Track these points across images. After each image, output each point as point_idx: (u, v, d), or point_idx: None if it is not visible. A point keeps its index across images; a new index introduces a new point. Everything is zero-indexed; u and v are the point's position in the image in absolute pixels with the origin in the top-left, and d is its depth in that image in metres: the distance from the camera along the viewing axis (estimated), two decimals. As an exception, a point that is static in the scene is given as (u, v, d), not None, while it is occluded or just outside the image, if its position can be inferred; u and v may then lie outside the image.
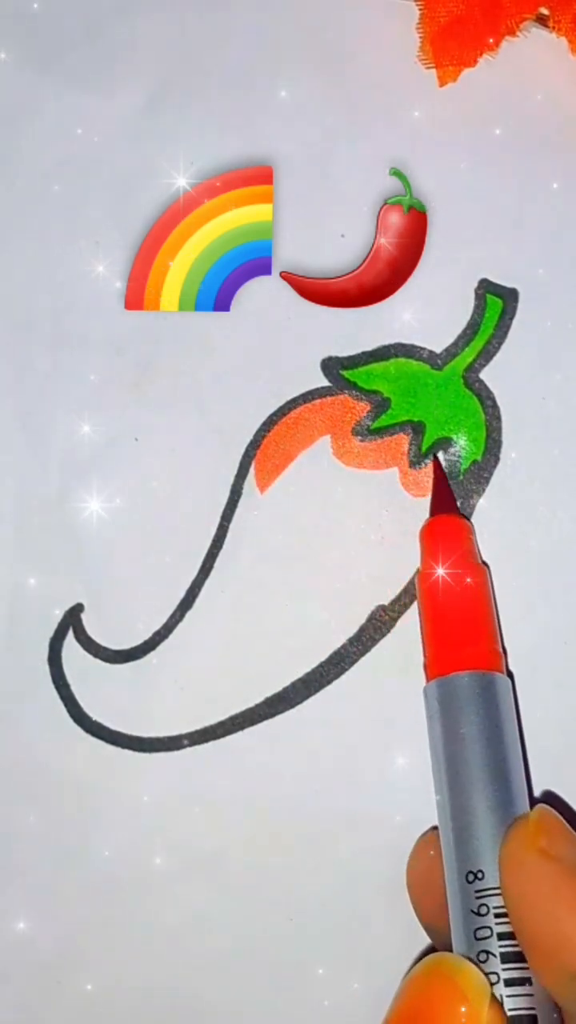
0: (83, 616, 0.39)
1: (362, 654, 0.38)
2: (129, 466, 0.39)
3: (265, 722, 0.38)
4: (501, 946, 0.31)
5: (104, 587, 0.39)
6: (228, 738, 0.38)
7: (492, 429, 0.39)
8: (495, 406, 0.39)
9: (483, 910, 0.32)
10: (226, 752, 0.38)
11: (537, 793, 0.38)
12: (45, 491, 0.39)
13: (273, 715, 0.38)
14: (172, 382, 0.39)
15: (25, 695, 0.39)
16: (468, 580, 0.36)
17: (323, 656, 0.38)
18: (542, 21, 0.38)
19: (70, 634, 0.39)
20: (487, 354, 0.39)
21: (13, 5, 0.40)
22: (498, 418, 0.39)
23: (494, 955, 0.31)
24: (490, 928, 0.31)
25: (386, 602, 0.38)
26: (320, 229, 0.39)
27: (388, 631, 0.38)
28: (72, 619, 0.39)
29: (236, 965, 0.38)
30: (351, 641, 0.38)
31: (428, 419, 0.39)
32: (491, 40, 0.38)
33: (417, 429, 0.39)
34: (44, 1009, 0.39)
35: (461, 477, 0.39)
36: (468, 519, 0.38)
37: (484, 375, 0.39)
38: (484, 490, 0.38)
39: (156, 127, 0.40)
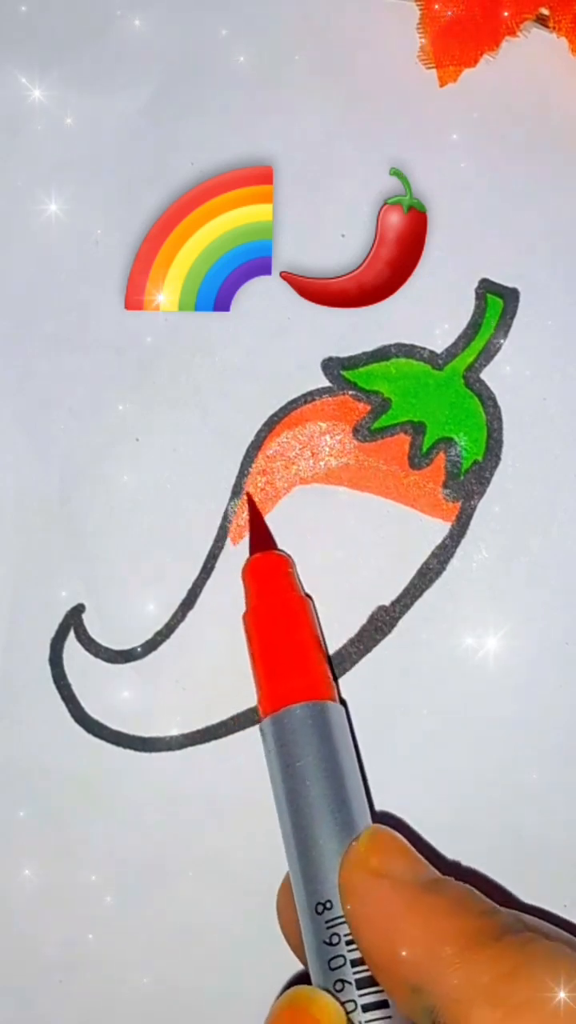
0: (84, 616, 0.39)
1: (362, 655, 0.38)
2: (129, 466, 0.39)
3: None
4: (355, 972, 0.32)
5: (105, 587, 0.39)
6: (229, 738, 0.38)
7: (493, 429, 0.39)
8: (496, 406, 0.39)
9: (334, 939, 0.32)
10: (226, 752, 0.38)
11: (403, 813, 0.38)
12: (46, 491, 0.39)
13: (274, 715, 0.38)
14: (172, 382, 0.39)
15: (26, 695, 0.39)
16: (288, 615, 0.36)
17: (324, 656, 0.38)
18: (542, 21, 0.38)
19: (71, 634, 0.39)
20: (488, 354, 0.39)
21: (13, 6, 0.40)
22: (499, 418, 0.39)
23: (349, 982, 0.32)
24: (343, 956, 0.32)
25: (386, 602, 0.38)
26: (320, 229, 0.39)
27: (388, 631, 0.38)
28: (73, 619, 0.39)
29: (237, 964, 0.38)
30: (351, 641, 0.38)
31: (429, 419, 0.39)
32: (491, 40, 0.38)
33: (418, 429, 0.39)
34: (45, 1009, 0.39)
35: (462, 477, 0.39)
36: (285, 554, 0.38)
37: (485, 375, 0.39)
38: (485, 490, 0.38)
39: (156, 127, 0.40)
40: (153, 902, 0.38)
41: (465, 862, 0.38)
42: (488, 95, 0.39)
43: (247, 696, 0.38)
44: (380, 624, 0.38)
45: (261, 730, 0.35)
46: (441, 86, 0.39)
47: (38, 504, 0.39)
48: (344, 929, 0.32)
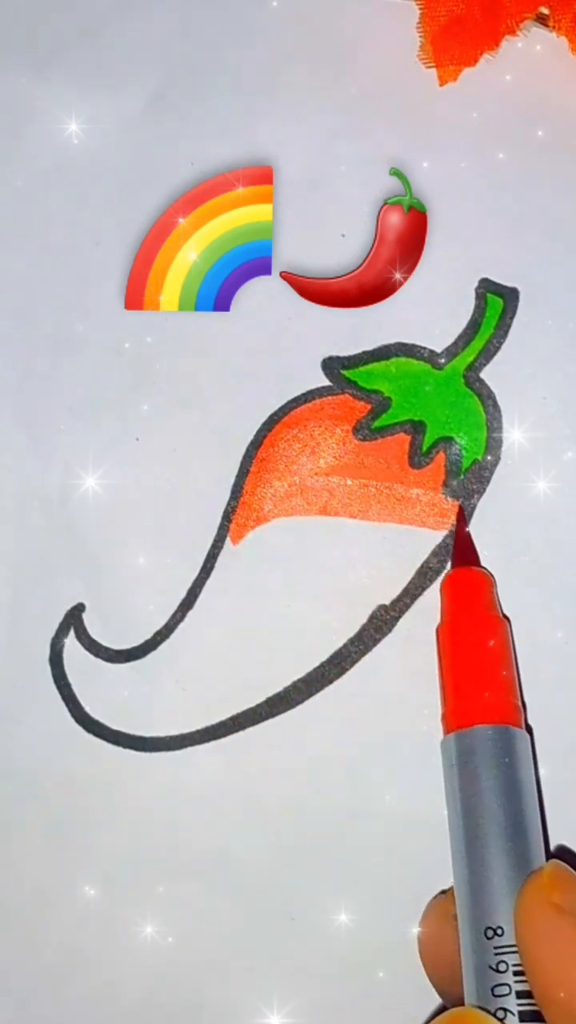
0: (84, 616, 0.39)
1: (363, 654, 0.38)
2: (129, 466, 0.39)
3: (266, 722, 0.38)
4: (520, 1004, 0.31)
5: (105, 587, 0.39)
6: (229, 738, 0.38)
7: (493, 428, 0.39)
8: (496, 405, 0.39)
9: (502, 967, 0.31)
10: (227, 752, 0.38)
11: (557, 844, 0.38)
12: (46, 491, 0.39)
13: (274, 715, 0.38)
14: (172, 382, 0.39)
15: (27, 695, 0.39)
16: (490, 642, 0.36)
17: (324, 656, 0.38)
18: (542, 20, 0.38)
19: (71, 634, 0.39)
20: (488, 353, 0.39)
21: (13, 6, 0.40)
22: (499, 417, 0.39)
23: (512, 1013, 0.31)
24: (508, 985, 0.31)
25: (387, 602, 0.38)
26: (320, 229, 0.39)
27: (389, 631, 0.38)
28: (73, 619, 0.39)
29: (237, 964, 0.38)
30: (352, 641, 0.38)
31: (429, 418, 0.39)
32: (491, 40, 0.38)
33: (418, 428, 0.39)
34: (45, 1009, 0.39)
35: (462, 476, 0.39)
36: (489, 573, 0.38)
37: (485, 374, 0.39)
38: (485, 489, 0.38)
39: (156, 127, 0.40)
40: (153, 902, 0.38)
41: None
42: (488, 95, 0.39)
43: (247, 696, 0.38)
44: (380, 623, 0.38)
45: (442, 745, 0.35)
46: (441, 85, 0.39)
47: (38, 504, 0.39)
48: (514, 959, 0.31)
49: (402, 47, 0.39)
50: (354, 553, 0.39)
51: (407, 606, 0.38)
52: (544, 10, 0.38)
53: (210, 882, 0.38)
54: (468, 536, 0.38)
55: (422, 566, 0.38)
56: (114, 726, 0.39)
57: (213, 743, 0.39)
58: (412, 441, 0.39)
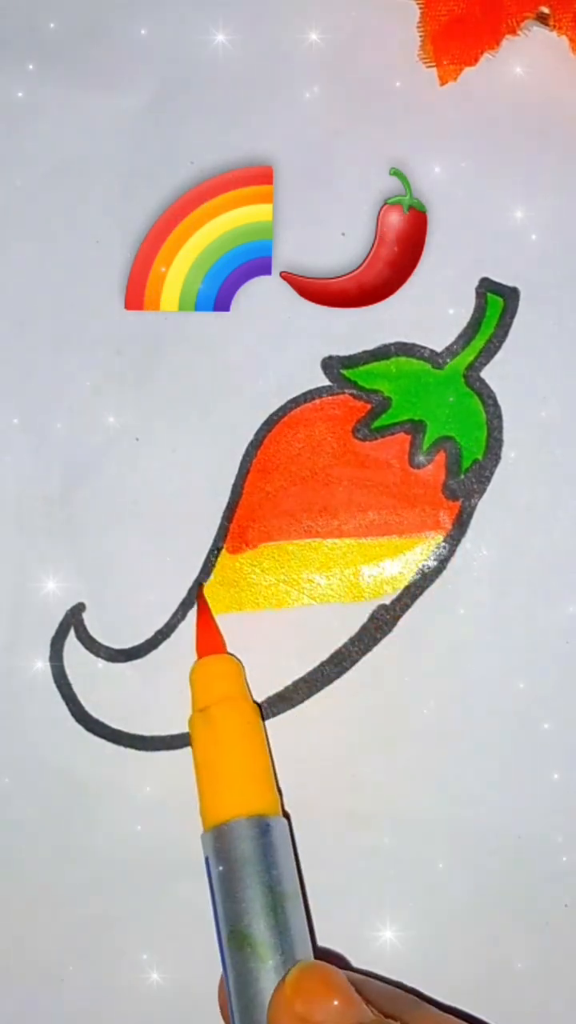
0: (85, 615, 0.39)
1: (363, 654, 0.38)
2: (129, 466, 0.39)
3: (267, 721, 0.38)
4: None
5: (105, 586, 0.39)
6: (229, 738, 0.38)
7: (493, 428, 0.39)
8: (496, 405, 0.39)
9: None
10: (227, 752, 0.38)
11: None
12: (46, 491, 0.39)
13: (274, 714, 0.38)
14: (172, 382, 0.39)
15: (27, 694, 0.39)
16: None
17: (324, 655, 0.38)
18: (543, 20, 0.38)
19: (72, 633, 0.39)
20: (488, 353, 0.39)
21: (14, 6, 0.40)
22: (499, 417, 0.39)
23: None
24: None
25: (387, 602, 0.38)
26: (320, 229, 0.39)
27: (389, 631, 0.38)
28: (74, 618, 0.39)
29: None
30: (352, 641, 0.38)
31: (429, 418, 0.39)
32: (491, 39, 0.38)
33: (418, 428, 0.39)
34: (45, 1009, 0.39)
35: (462, 476, 0.39)
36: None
37: (485, 374, 0.39)
38: (485, 489, 0.38)
39: (157, 127, 0.40)
40: (153, 901, 0.38)
41: (464, 862, 0.38)
42: (488, 94, 0.39)
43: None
44: (380, 623, 0.38)
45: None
46: (441, 85, 0.39)
47: (38, 504, 0.39)
48: None
49: (402, 47, 0.39)
50: (355, 552, 0.39)
51: (407, 606, 0.38)
52: (544, 10, 0.38)
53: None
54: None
55: (422, 566, 0.38)
56: (114, 725, 0.39)
57: (213, 743, 0.39)
58: (412, 441, 0.39)
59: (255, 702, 0.38)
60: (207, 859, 0.35)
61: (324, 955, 0.37)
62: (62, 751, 0.39)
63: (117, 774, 0.39)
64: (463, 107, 0.39)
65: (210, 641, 0.38)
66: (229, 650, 0.38)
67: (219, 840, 0.34)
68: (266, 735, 0.37)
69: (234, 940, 0.33)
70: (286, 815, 0.37)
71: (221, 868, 0.34)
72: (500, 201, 0.39)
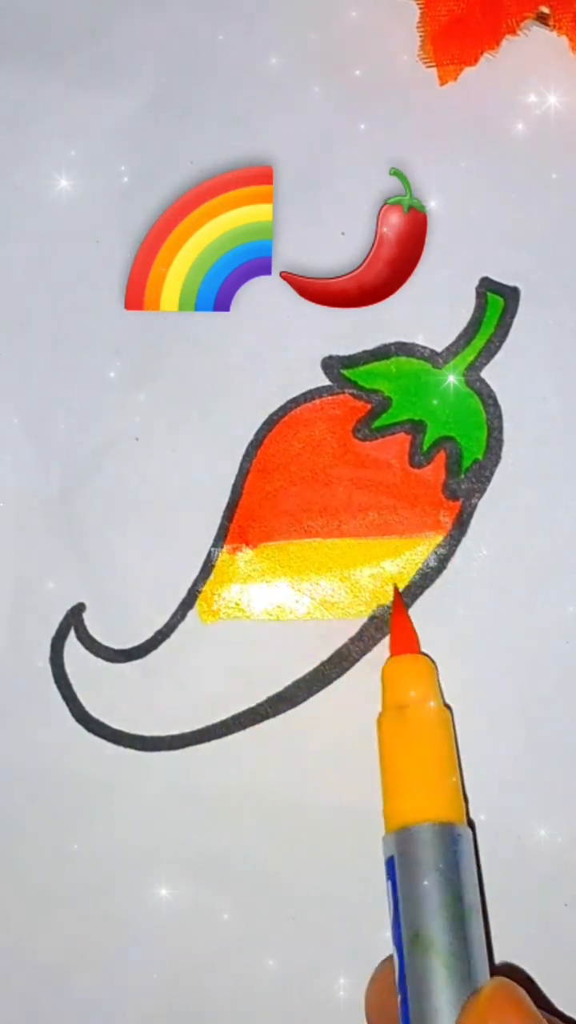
0: (85, 616, 0.39)
1: (363, 653, 0.38)
2: (129, 466, 0.39)
3: (267, 721, 0.38)
4: None
5: (105, 586, 0.39)
6: (230, 737, 0.38)
7: (493, 428, 0.39)
8: (496, 405, 0.39)
9: None
10: (228, 751, 0.38)
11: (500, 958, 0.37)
12: (46, 491, 0.39)
13: (275, 714, 0.38)
14: (172, 382, 0.39)
15: (27, 694, 0.39)
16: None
17: (325, 655, 0.38)
18: (543, 20, 0.38)
19: (72, 634, 0.39)
20: (488, 353, 0.39)
21: (14, 6, 0.40)
22: (499, 417, 0.39)
23: None
24: None
25: (388, 602, 0.38)
26: (320, 229, 0.39)
27: (389, 631, 0.38)
28: (74, 618, 0.39)
29: (237, 964, 0.38)
30: (352, 640, 0.38)
31: (429, 418, 0.39)
32: (491, 39, 0.38)
33: (418, 428, 0.39)
34: (45, 1009, 0.39)
35: (462, 476, 0.39)
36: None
37: (485, 374, 0.39)
38: (485, 489, 0.38)
39: (156, 127, 0.40)
40: (152, 902, 0.38)
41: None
42: (488, 94, 0.39)
43: (248, 695, 0.38)
44: (380, 623, 0.38)
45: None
46: (441, 85, 0.39)
47: (38, 504, 0.39)
48: None
49: (402, 47, 0.39)
50: (355, 552, 0.39)
51: (408, 606, 0.38)
52: (544, 10, 0.38)
53: (210, 881, 0.38)
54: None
55: (422, 566, 0.38)
56: (114, 725, 0.39)
57: (213, 743, 0.38)
58: (412, 441, 0.39)
59: (447, 706, 0.37)
60: (390, 859, 0.34)
61: (508, 971, 0.37)
62: (62, 751, 0.39)
63: (117, 774, 0.38)
64: (463, 107, 0.39)
65: (405, 639, 0.37)
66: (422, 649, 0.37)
67: (408, 843, 0.34)
68: (456, 742, 0.37)
69: (419, 945, 0.33)
70: (470, 823, 0.36)
71: (409, 871, 0.34)
72: (500, 201, 0.39)
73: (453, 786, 0.35)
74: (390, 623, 0.38)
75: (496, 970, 0.36)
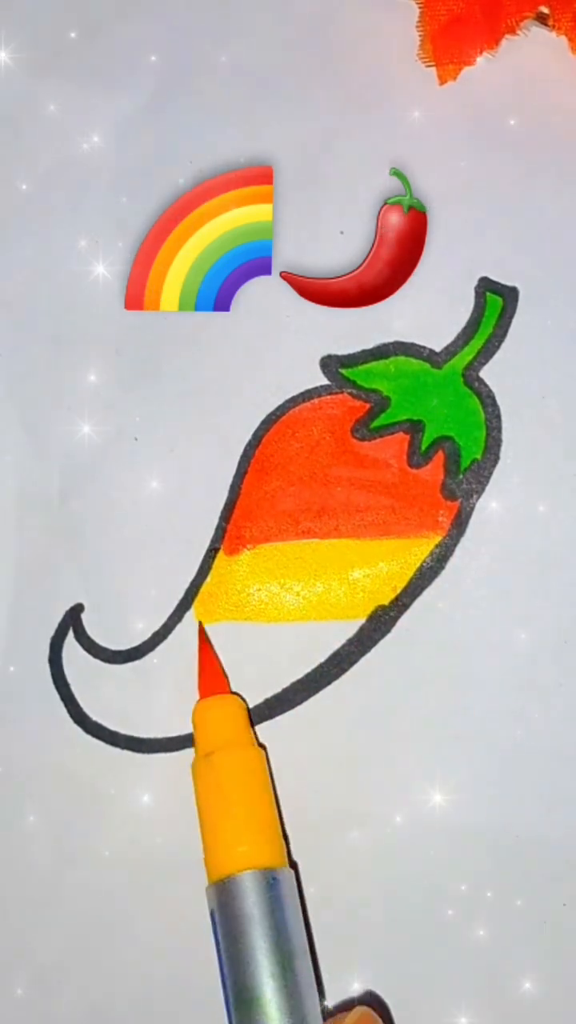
0: (83, 616, 0.39)
1: (362, 654, 0.38)
2: (129, 466, 0.39)
3: (265, 723, 0.38)
4: None
5: (104, 587, 0.39)
6: (228, 738, 0.38)
7: (492, 428, 0.39)
8: (495, 405, 0.39)
9: None
10: (226, 752, 0.38)
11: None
12: (46, 491, 0.39)
13: (273, 716, 0.38)
14: (172, 382, 0.39)
15: (25, 695, 0.39)
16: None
17: (323, 657, 0.38)
18: (542, 20, 0.38)
19: (70, 634, 0.39)
20: (487, 352, 0.39)
21: (14, 6, 0.40)
22: (498, 417, 0.39)
23: None
24: None
25: (386, 602, 0.38)
26: (320, 229, 0.39)
27: (388, 631, 0.38)
28: (72, 619, 0.39)
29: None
30: (351, 642, 0.38)
31: (428, 418, 0.39)
32: (491, 39, 0.38)
33: (417, 428, 0.39)
34: (45, 1009, 0.39)
35: (461, 476, 0.38)
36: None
37: (484, 373, 0.39)
38: (484, 489, 0.38)
39: (156, 127, 0.40)
40: (152, 902, 0.38)
41: (463, 862, 0.38)
42: (488, 94, 0.39)
43: (246, 696, 0.38)
44: (379, 624, 0.38)
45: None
46: (441, 84, 0.39)
47: (38, 504, 0.39)
48: None
49: (402, 46, 0.39)
50: (354, 551, 0.39)
51: (406, 607, 0.38)
52: (544, 10, 0.38)
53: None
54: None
55: (421, 566, 0.38)
56: (113, 727, 0.39)
57: (212, 744, 0.39)
58: (411, 440, 0.39)
59: (260, 745, 0.37)
60: (212, 913, 0.35)
61: (368, 1000, 0.37)
62: (60, 752, 0.39)
63: (115, 775, 0.38)
64: (463, 107, 0.39)
65: (212, 680, 0.37)
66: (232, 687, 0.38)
67: (225, 895, 0.34)
68: (272, 781, 0.37)
69: (243, 1002, 0.33)
70: (292, 863, 0.36)
71: (227, 925, 0.34)
72: (500, 201, 0.39)
73: (269, 829, 0.35)
74: (198, 662, 0.38)
75: (357, 1000, 0.37)
